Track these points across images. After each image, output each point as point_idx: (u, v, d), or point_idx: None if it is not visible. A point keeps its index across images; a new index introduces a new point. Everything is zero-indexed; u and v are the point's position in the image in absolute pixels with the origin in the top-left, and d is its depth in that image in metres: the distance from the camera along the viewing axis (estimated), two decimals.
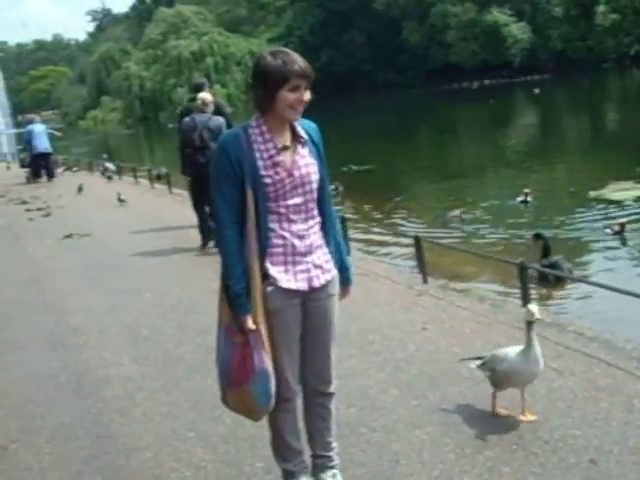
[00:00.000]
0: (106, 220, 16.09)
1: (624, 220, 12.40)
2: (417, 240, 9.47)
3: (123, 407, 6.20)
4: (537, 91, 51.04)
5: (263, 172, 4.05)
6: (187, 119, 11.77)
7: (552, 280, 9.75)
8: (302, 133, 4.19)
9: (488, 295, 9.05)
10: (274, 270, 4.12)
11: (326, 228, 4.28)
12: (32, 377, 7.11)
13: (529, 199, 15.33)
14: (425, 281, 9.32)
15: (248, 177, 4.03)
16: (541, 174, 20.51)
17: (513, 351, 5.32)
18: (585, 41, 66.18)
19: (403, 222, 15.67)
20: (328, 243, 4.30)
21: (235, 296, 4.07)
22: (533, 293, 8.60)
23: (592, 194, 15.81)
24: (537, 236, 10.92)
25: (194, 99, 12.38)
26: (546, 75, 62.45)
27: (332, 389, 4.46)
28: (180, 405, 6.08)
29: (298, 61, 4.03)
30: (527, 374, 5.29)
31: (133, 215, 16.42)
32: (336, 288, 4.36)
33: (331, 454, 4.51)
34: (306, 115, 4.21)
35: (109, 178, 25.03)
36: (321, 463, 4.50)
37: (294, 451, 4.43)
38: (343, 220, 11.00)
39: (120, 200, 18.05)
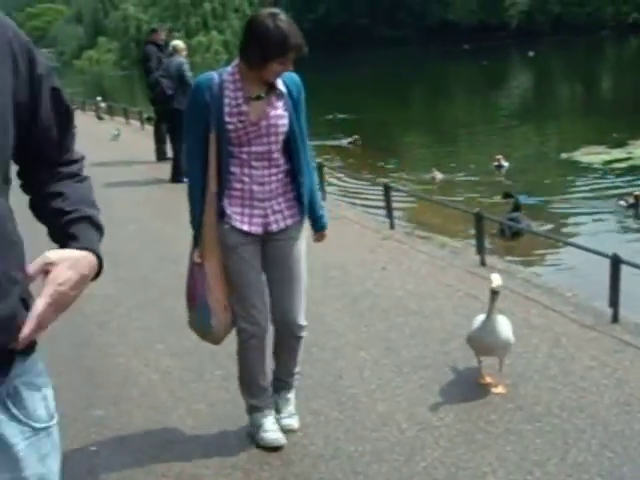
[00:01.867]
0: (98, 155, 16.57)
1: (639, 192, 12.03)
2: (386, 188, 10.03)
3: (101, 321, 6.85)
4: (532, 54, 51.11)
5: (227, 119, 4.18)
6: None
7: (508, 234, 10.32)
8: (280, 86, 4.27)
9: (449, 242, 9.63)
10: (230, 210, 4.29)
11: (300, 177, 4.37)
12: None
13: (503, 163, 15.32)
14: (392, 227, 9.91)
15: (213, 120, 4.18)
16: (522, 137, 20.93)
17: (479, 318, 5.36)
18: (583, 7, 66.13)
19: (383, 172, 16.05)
20: (295, 190, 4.39)
21: (193, 228, 4.40)
22: (490, 243, 9.20)
23: (563, 156, 16.33)
24: (506, 195, 11.53)
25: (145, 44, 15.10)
26: (543, 38, 62.47)
27: (301, 332, 4.60)
28: (152, 321, 6.69)
29: (297, 35, 4.13)
30: (482, 344, 5.29)
31: (124, 151, 16.92)
32: (300, 232, 4.48)
33: (290, 380, 4.78)
34: (297, 65, 4.31)
35: (100, 118, 25.48)
36: (279, 385, 4.77)
37: (260, 388, 4.62)
38: (320, 167, 11.57)
39: (115, 135, 18.61)
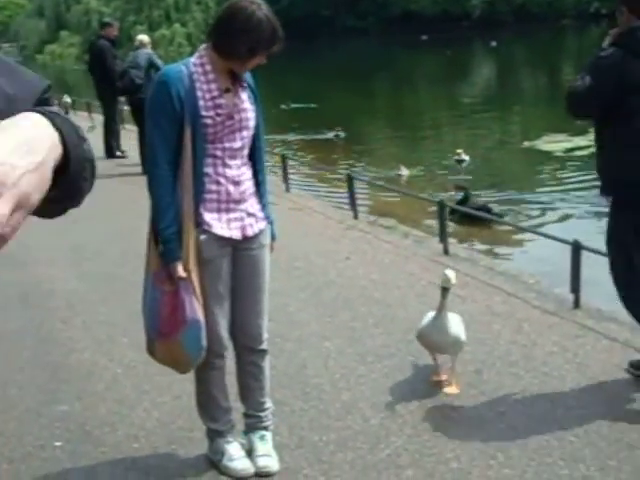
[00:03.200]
0: None
1: None
2: (349, 178, 10.07)
3: (65, 316, 6.82)
4: (494, 44, 51.38)
5: (204, 112, 3.86)
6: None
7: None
8: (245, 77, 4.06)
9: (412, 232, 9.69)
10: (208, 217, 3.95)
11: (260, 177, 4.15)
12: None
13: (464, 157, 14.81)
14: (356, 217, 9.96)
15: (188, 116, 3.84)
16: (485, 127, 21.01)
17: (429, 315, 5.19)
18: None
19: (342, 162, 16.06)
20: (262, 192, 4.16)
21: (165, 241, 3.90)
22: (451, 231, 9.25)
23: (526, 144, 16.44)
24: (458, 187, 11.60)
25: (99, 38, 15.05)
26: (505, 28, 62.70)
27: (263, 346, 4.28)
28: (116, 315, 6.68)
29: (279, 28, 3.92)
30: (431, 341, 5.14)
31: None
32: (268, 238, 4.19)
33: (262, 414, 4.34)
34: None
35: (66, 112, 25.33)
36: (251, 423, 4.36)
37: (222, 410, 4.27)
38: (283, 158, 11.59)
39: (91, 127, 18.56)
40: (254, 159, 4.13)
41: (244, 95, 4.04)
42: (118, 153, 15.31)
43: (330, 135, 19.23)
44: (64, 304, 7.13)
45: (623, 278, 5.22)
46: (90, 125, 18.93)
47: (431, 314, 5.14)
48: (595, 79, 4.87)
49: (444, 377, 5.22)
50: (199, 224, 3.93)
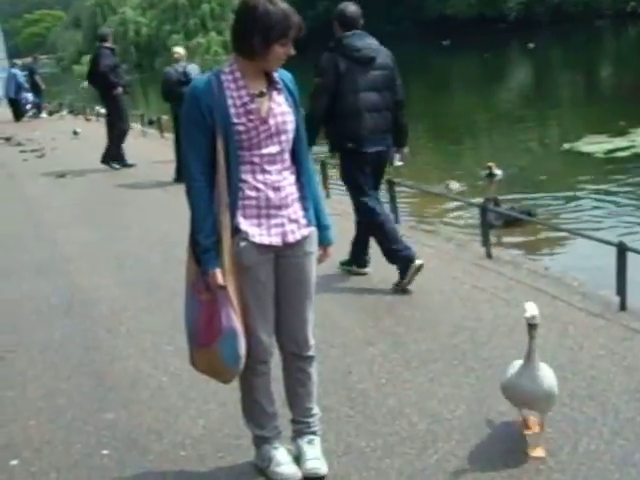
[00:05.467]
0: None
1: None
2: (390, 183, 10.03)
3: (109, 324, 6.85)
4: (531, 46, 51.00)
5: (235, 120, 3.83)
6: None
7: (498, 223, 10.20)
8: (278, 79, 4.00)
9: (454, 236, 9.64)
10: (246, 224, 3.91)
11: (303, 181, 4.06)
12: (25, 299, 7.74)
13: (496, 172, 14.07)
14: (397, 221, 9.89)
15: (219, 125, 3.82)
16: (523, 130, 20.79)
17: (517, 363, 4.50)
18: None
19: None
20: (305, 197, 4.07)
21: (204, 251, 3.88)
22: (494, 237, 9.19)
23: (566, 146, 16.28)
24: (488, 199, 11.34)
25: (99, 48, 15.68)
26: (542, 29, 62.28)
27: (310, 352, 4.25)
28: (160, 323, 6.69)
29: (294, 14, 3.88)
30: (521, 393, 4.38)
31: (128, 156, 16.90)
32: (314, 246, 4.12)
33: (310, 420, 4.33)
34: (294, 64, 4.30)
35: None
36: (299, 429, 4.33)
37: (268, 416, 4.25)
38: (323, 164, 11.58)
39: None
40: (297, 163, 4.06)
41: (280, 98, 3.98)
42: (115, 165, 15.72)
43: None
44: (108, 312, 7.16)
45: None
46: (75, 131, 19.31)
47: (518, 362, 4.45)
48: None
49: (535, 429, 4.51)
50: (238, 231, 3.90)
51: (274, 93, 3.96)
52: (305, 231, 4.04)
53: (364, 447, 4.55)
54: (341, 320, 6.51)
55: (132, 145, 18.68)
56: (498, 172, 13.99)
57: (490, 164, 14.05)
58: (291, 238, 3.99)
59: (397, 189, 10.24)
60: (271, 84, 3.97)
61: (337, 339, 6.11)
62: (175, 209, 11.26)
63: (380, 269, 7.64)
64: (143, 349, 6.22)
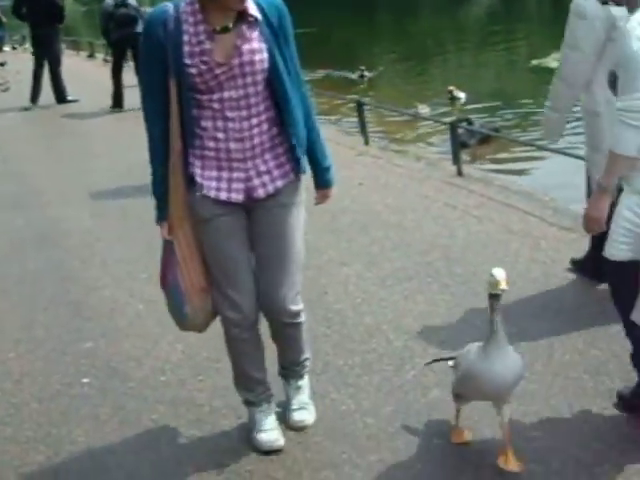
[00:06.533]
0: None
1: None
2: (359, 104, 10.00)
3: (83, 255, 6.85)
4: None
5: (188, 60, 3.35)
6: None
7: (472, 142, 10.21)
8: (254, 11, 3.39)
9: (424, 155, 9.65)
10: (203, 176, 3.51)
11: (285, 126, 3.52)
12: None
13: (459, 95, 13.97)
14: (367, 143, 9.91)
15: (172, 64, 3.37)
16: (491, 48, 20.70)
17: (473, 347, 3.61)
18: None
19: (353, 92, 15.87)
20: (286, 143, 3.55)
21: (155, 199, 3.62)
22: (465, 154, 9.21)
23: (534, 63, 16.22)
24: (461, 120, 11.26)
25: None
26: None
27: (297, 319, 3.80)
28: (134, 252, 6.69)
29: None
30: (486, 379, 3.44)
31: (97, 87, 16.71)
32: (296, 196, 3.65)
33: (297, 368, 4.06)
34: None
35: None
36: (286, 374, 4.08)
37: (254, 380, 3.90)
38: (360, 106, 10.92)
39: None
40: (278, 107, 3.49)
41: (253, 33, 3.40)
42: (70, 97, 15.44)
43: (354, 76, 18.10)
44: (81, 243, 7.15)
45: None
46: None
47: (474, 346, 3.59)
48: None
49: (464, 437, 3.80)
50: (192, 183, 3.52)
51: (244, 28, 3.37)
52: (281, 182, 3.56)
53: (342, 365, 4.60)
54: (315, 242, 6.50)
55: (97, 73, 18.55)
56: (461, 95, 13.94)
57: (451, 88, 13.96)
58: (261, 192, 3.54)
59: (367, 108, 10.20)
60: (242, 17, 3.37)
61: (312, 261, 6.09)
62: (143, 137, 11.25)
63: (351, 191, 7.67)
64: (118, 278, 6.23)
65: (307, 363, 4.09)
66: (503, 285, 3.29)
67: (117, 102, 14.30)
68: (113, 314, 5.62)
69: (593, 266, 5.10)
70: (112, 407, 4.42)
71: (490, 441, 3.73)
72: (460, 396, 3.71)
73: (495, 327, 3.36)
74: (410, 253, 6.17)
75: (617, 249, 3.66)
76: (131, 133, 11.69)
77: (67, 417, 4.36)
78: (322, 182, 3.84)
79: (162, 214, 3.60)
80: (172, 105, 3.42)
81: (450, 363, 3.84)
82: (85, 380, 4.75)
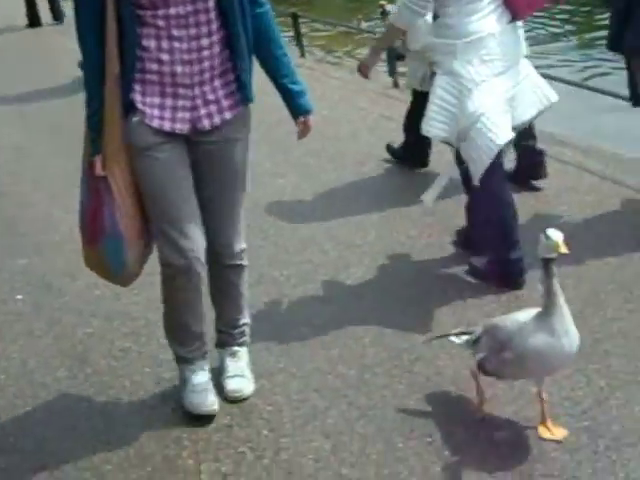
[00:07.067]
0: None
1: None
2: (294, 16, 9.88)
3: (14, 170, 6.77)
4: None
5: None
6: None
7: None
8: None
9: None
10: (145, 103, 3.16)
11: (237, 48, 3.18)
12: None
13: (389, 9, 13.89)
14: (302, 55, 9.81)
15: None
16: None
17: (527, 317, 3.10)
18: None
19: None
20: (238, 68, 3.22)
21: (89, 129, 3.25)
22: (401, 66, 9.14)
23: None
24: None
25: None
26: None
27: (236, 261, 3.54)
28: (68, 167, 6.50)
29: None
30: (555, 356, 3.04)
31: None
32: (241, 131, 3.37)
33: (235, 332, 3.68)
34: None
35: None
36: (222, 339, 3.71)
37: (192, 334, 3.51)
38: (295, 17, 10.48)
39: None
40: (227, 26, 3.15)
41: None
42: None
43: None
44: (12, 159, 7.03)
45: None
46: None
47: (526, 315, 3.12)
48: None
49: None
50: (133, 110, 3.16)
51: None
52: (229, 114, 3.26)
53: (278, 276, 4.63)
54: (250, 154, 6.48)
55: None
56: (391, 9, 13.65)
57: (382, 2, 13.70)
58: (206, 124, 3.22)
59: (302, 21, 10.09)
60: None
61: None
62: (76, 51, 11.01)
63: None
64: (52, 194, 6.14)
65: (246, 330, 3.71)
66: (563, 249, 2.91)
67: (33, 20, 13.08)
68: (47, 230, 5.58)
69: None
70: (47, 322, 4.42)
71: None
72: (503, 376, 3.25)
73: (555, 296, 2.97)
74: (346, 164, 6.18)
75: (432, 126, 4.15)
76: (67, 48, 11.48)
77: (1, 334, 4.34)
78: (300, 109, 3.50)
79: (97, 147, 3.19)
80: (109, 22, 3.04)
81: (457, 340, 3.41)
82: (19, 297, 4.73)
